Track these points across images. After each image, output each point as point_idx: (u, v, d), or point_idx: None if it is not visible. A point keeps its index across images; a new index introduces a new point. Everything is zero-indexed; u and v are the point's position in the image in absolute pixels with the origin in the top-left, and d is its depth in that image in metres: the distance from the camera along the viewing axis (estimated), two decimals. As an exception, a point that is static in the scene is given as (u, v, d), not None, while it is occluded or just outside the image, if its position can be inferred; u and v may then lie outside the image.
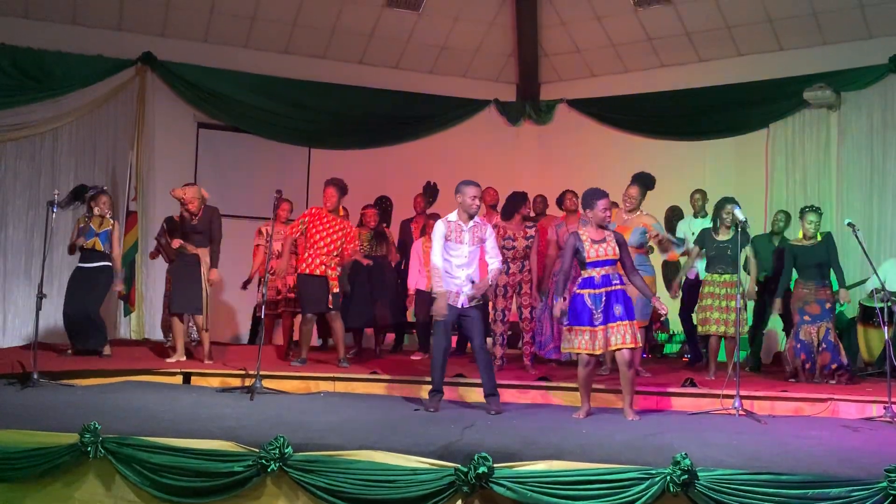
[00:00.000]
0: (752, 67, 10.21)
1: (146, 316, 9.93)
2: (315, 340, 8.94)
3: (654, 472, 4.05)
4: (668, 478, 3.99)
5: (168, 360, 7.57)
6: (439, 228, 6.25)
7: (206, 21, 10.32)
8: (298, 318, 8.24)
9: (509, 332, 7.91)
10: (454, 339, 8.28)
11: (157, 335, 9.57)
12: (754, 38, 10.20)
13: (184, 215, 7.66)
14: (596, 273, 5.90)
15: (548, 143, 11.65)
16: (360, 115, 11.12)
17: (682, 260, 8.32)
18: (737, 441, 4.95)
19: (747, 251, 7.48)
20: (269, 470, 4.41)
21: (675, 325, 9.46)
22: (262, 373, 6.70)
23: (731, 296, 7.23)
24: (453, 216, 6.30)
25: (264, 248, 8.40)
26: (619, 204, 7.46)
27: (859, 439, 5.21)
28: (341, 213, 8.12)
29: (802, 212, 7.51)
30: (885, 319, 6.45)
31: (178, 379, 7.24)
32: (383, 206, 9.33)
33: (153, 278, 9.83)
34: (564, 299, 6.04)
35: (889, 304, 6.61)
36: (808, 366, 7.16)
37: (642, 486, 4.02)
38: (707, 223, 7.87)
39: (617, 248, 5.93)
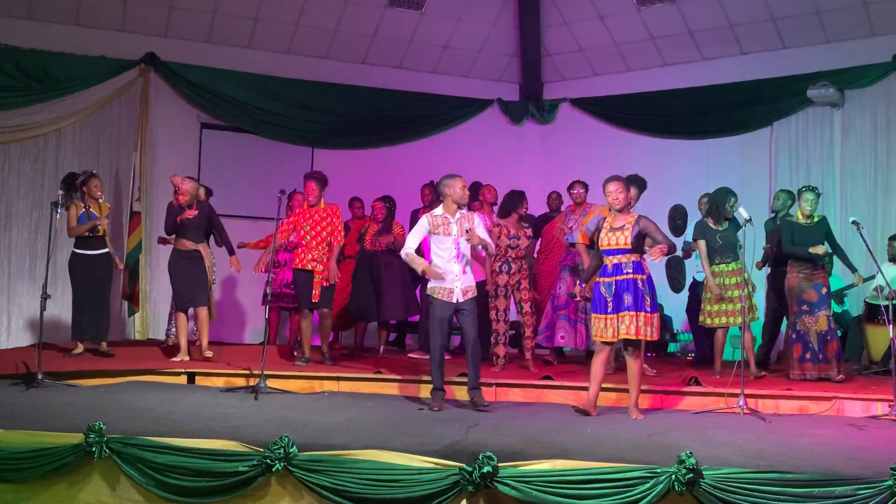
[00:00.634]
0: (756, 66, 10.19)
1: (150, 316, 9.93)
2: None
3: (659, 470, 4.05)
4: (673, 477, 3.99)
5: (172, 360, 7.60)
6: (422, 223, 6.36)
7: (209, 22, 10.32)
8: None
9: (511, 332, 7.89)
10: (457, 338, 8.27)
11: (161, 335, 9.54)
12: (757, 36, 10.18)
13: (173, 204, 7.82)
14: (609, 261, 5.94)
15: (551, 142, 11.64)
16: (363, 115, 11.11)
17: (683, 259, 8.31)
18: (742, 440, 4.94)
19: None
20: (273, 469, 4.42)
21: (678, 325, 9.44)
22: (266, 372, 6.72)
23: (741, 284, 7.19)
24: (439, 210, 6.39)
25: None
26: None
27: (865, 438, 5.20)
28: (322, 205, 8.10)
29: (800, 191, 7.50)
30: (891, 318, 6.43)
31: (183, 379, 7.27)
32: (387, 205, 9.30)
33: (157, 279, 9.82)
34: (580, 284, 6.12)
35: (894, 302, 6.59)
36: (808, 355, 7.14)
37: (647, 485, 4.02)
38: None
39: (630, 238, 5.87)
